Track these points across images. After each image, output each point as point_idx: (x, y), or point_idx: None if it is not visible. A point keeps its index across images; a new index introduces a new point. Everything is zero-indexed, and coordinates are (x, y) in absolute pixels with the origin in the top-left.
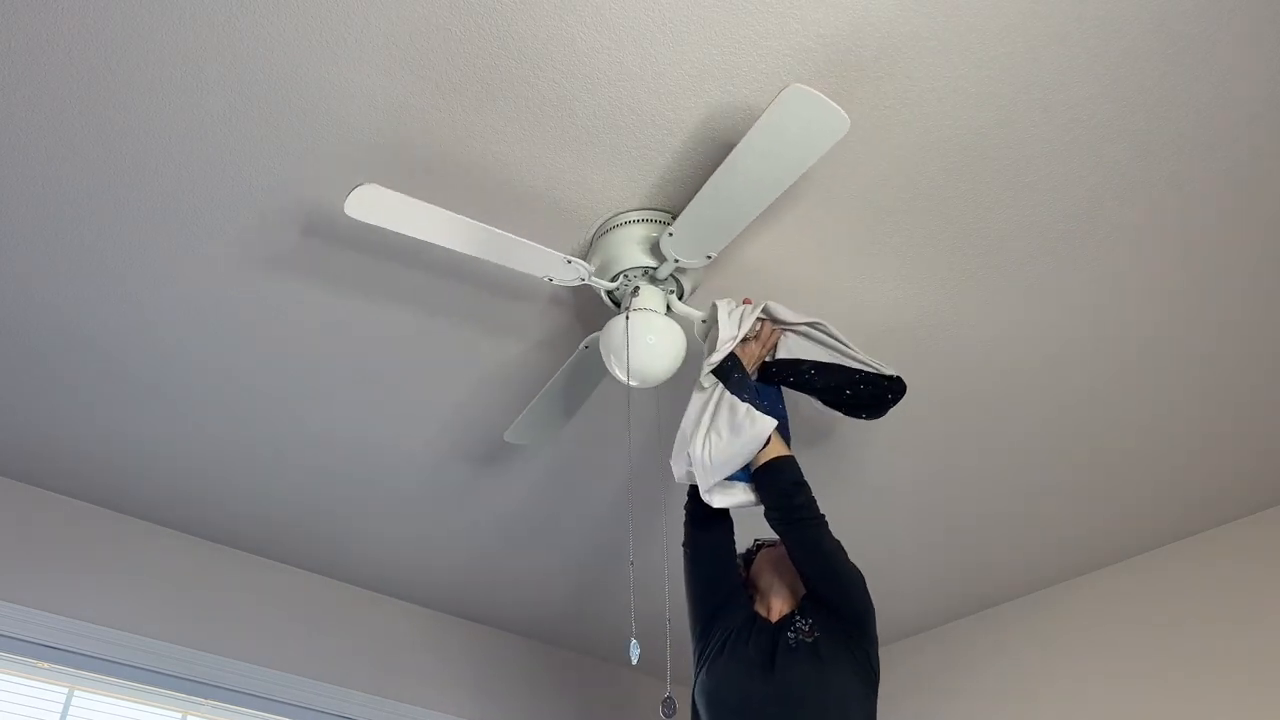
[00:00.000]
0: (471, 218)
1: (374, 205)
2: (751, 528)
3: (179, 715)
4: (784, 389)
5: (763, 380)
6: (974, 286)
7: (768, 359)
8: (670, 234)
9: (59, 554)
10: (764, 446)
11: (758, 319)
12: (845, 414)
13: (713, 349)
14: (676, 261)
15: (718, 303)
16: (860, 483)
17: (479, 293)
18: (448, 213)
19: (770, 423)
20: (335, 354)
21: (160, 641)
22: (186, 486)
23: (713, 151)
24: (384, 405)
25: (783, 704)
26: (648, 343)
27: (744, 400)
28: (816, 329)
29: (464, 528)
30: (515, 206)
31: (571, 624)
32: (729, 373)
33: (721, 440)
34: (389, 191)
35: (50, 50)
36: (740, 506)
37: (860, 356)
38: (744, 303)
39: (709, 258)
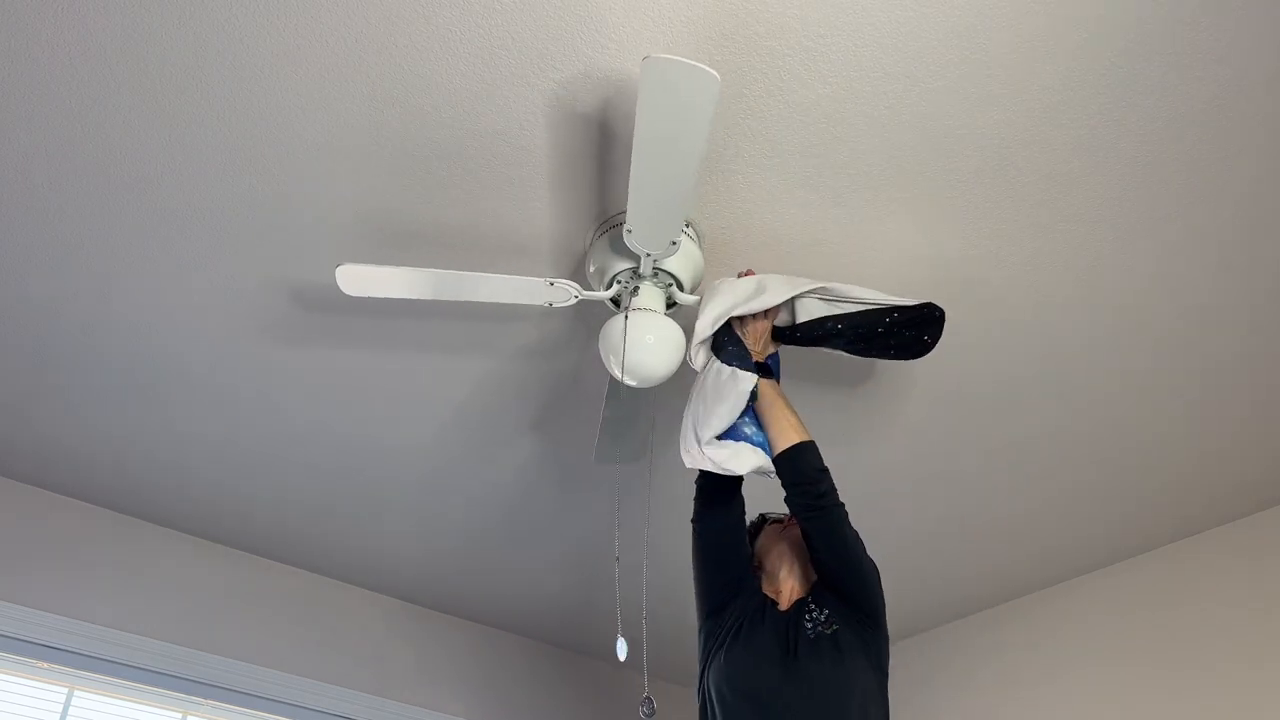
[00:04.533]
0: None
1: (359, 280)
2: (762, 503)
3: (179, 715)
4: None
5: (786, 344)
6: (973, 291)
7: (783, 326)
8: (629, 230)
9: (59, 554)
10: (750, 402)
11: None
12: (891, 357)
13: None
14: (648, 254)
15: (716, 282)
16: (860, 485)
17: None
18: (426, 270)
19: (751, 377)
20: (335, 353)
21: (160, 641)
22: (185, 486)
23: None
24: (384, 405)
25: (808, 697)
26: (646, 342)
27: (728, 364)
28: (829, 293)
29: (464, 527)
30: (511, 238)
31: (571, 623)
32: (722, 345)
33: (705, 405)
34: (366, 266)
35: (51, 48)
36: (753, 471)
37: (883, 298)
38: (746, 273)
39: (674, 244)
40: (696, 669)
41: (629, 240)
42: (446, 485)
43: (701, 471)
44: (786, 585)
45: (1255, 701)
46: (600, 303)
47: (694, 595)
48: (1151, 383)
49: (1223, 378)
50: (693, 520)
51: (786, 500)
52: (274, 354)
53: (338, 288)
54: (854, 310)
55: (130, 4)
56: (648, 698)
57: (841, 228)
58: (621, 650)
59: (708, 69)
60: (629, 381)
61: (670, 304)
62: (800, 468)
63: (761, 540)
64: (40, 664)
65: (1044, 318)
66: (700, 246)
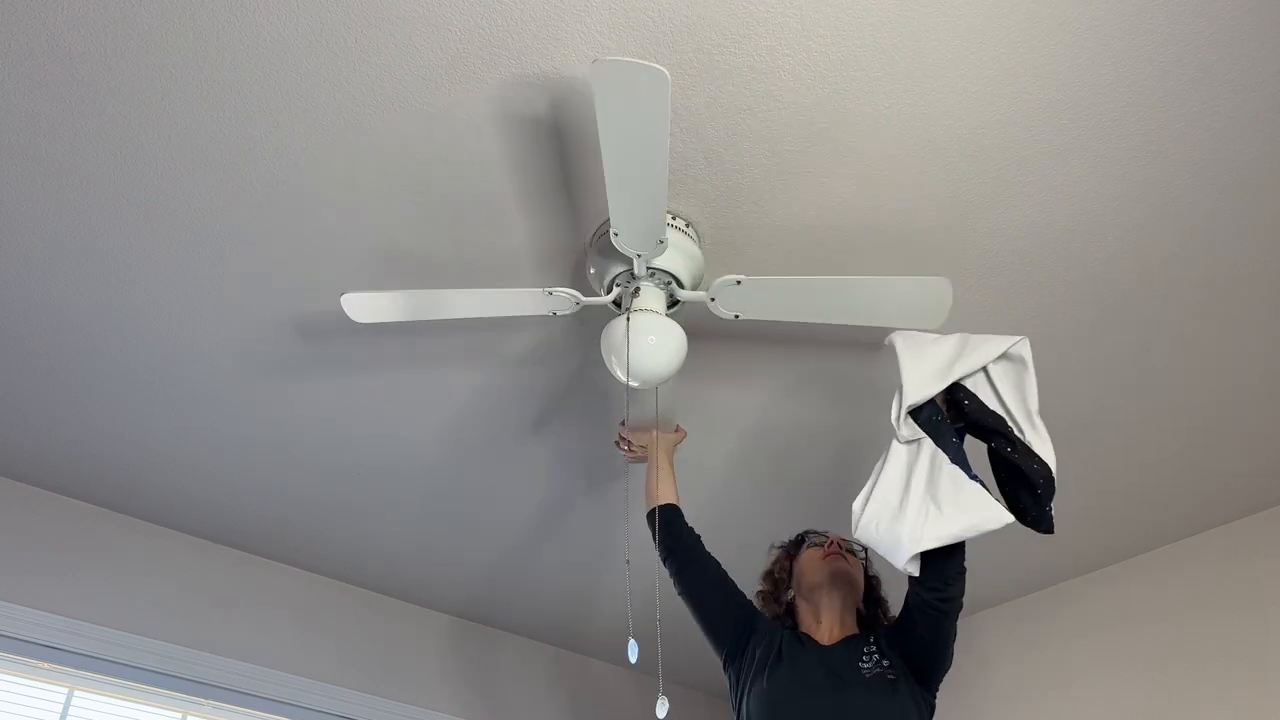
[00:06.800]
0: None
1: (366, 308)
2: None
3: (179, 715)
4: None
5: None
6: (975, 288)
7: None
8: (615, 234)
9: (59, 554)
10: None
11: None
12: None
13: (902, 391)
14: (638, 255)
15: (895, 336)
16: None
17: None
18: (430, 292)
19: (1006, 517)
20: (335, 353)
21: (160, 641)
22: (186, 486)
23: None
24: (386, 405)
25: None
26: (648, 343)
27: (969, 474)
28: (1012, 365)
29: (464, 527)
30: (504, 267)
31: (571, 624)
32: (932, 423)
33: (942, 519)
34: (372, 294)
35: (51, 49)
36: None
37: (1031, 428)
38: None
39: (661, 242)
40: (709, 673)
41: (617, 243)
42: (448, 486)
43: (662, 542)
44: (828, 617)
45: (1255, 703)
46: (603, 307)
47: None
48: (1151, 383)
49: (1223, 378)
50: (678, 592)
51: (915, 582)
52: (274, 354)
53: (335, 287)
54: (1022, 441)
55: (131, 4)
56: (663, 694)
57: (838, 223)
58: (633, 652)
59: (655, 65)
60: (632, 383)
61: (673, 303)
62: (949, 565)
63: (802, 563)
64: (40, 664)
65: (1044, 317)
66: (700, 245)
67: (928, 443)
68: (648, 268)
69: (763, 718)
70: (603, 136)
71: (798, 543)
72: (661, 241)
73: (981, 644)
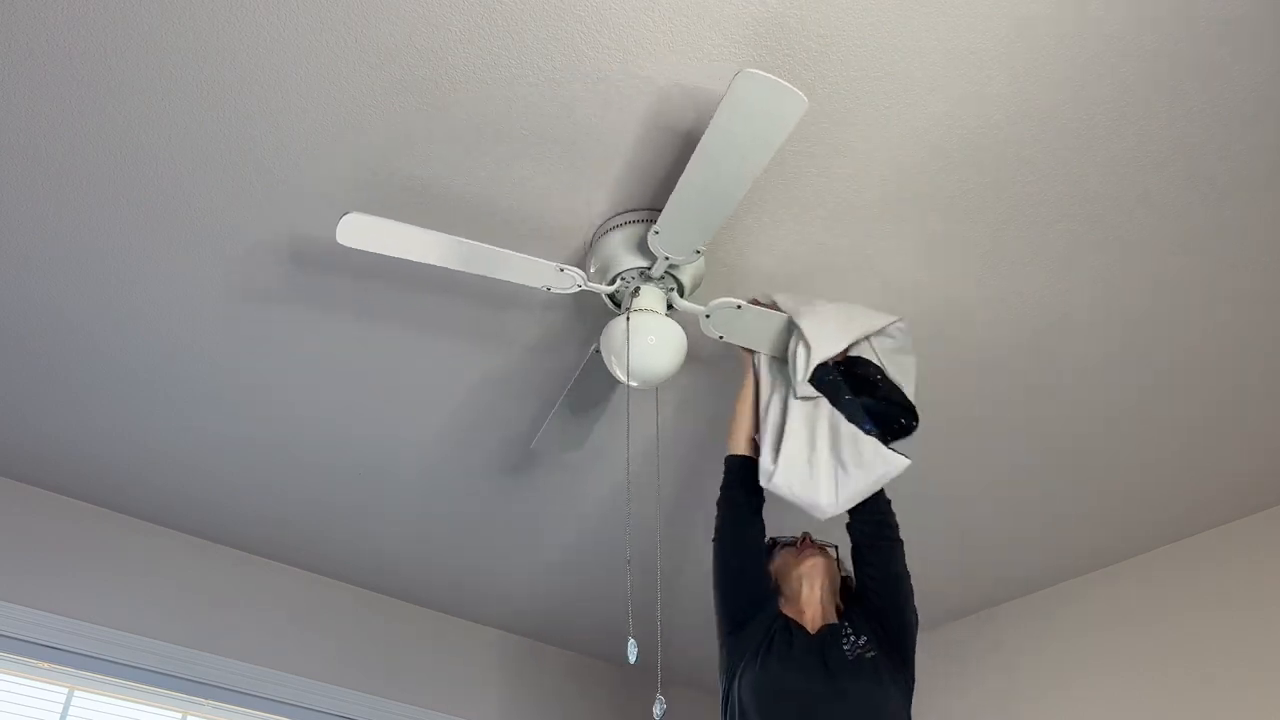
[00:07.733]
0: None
1: (363, 232)
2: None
3: (179, 715)
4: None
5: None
6: (972, 291)
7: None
8: (656, 232)
9: (59, 554)
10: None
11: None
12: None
13: (795, 352)
14: (667, 259)
15: (778, 297)
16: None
17: (483, 292)
18: (435, 233)
19: (903, 463)
20: (336, 352)
21: (160, 641)
22: (186, 486)
23: (685, 144)
24: (385, 405)
25: (851, 713)
26: (648, 343)
27: (865, 431)
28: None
29: (463, 527)
30: (509, 226)
31: (572, 624)
32: (827, 383)
33: (850, 479)
34: (375, 218)
35: (51, 49)
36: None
37: (899, 379)
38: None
39: (698, 252)
40: (710, 674)
41: (653, 241)
42: (447, 484)
43: (728, 490)
44: (810, 609)
45: (1255, 703)
46: (599, 301)
47: (713, 604)
48: (1151, 383)
49: (1223, 378)
50: (715, 539)
51: (851, 526)
52: (274, 355)
53: (337, 286)
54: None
55: (131, 4)
56: (659, 697)
57: (840, 232)
58: (632, 652)
59: (798, 91)
60: (632, 383)
61: (668, 306)
62: (880, 500)
63: (776, 563)
64: (40, 664)
65: (1041, 322)
66: (701, 251)
67: (824, 403)
68: (664, 271)
69: (755, 704)
70: (708, 138)
71: (769, 549)
72: (698, 252)
73: (981, 644)
